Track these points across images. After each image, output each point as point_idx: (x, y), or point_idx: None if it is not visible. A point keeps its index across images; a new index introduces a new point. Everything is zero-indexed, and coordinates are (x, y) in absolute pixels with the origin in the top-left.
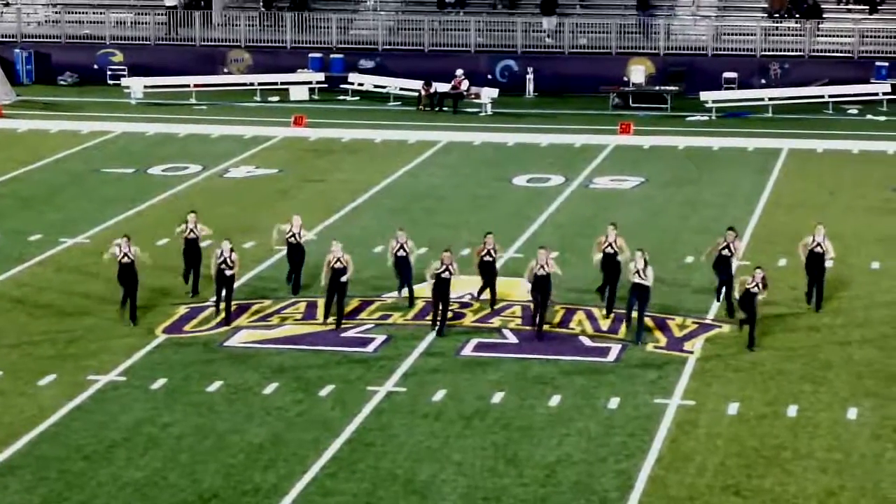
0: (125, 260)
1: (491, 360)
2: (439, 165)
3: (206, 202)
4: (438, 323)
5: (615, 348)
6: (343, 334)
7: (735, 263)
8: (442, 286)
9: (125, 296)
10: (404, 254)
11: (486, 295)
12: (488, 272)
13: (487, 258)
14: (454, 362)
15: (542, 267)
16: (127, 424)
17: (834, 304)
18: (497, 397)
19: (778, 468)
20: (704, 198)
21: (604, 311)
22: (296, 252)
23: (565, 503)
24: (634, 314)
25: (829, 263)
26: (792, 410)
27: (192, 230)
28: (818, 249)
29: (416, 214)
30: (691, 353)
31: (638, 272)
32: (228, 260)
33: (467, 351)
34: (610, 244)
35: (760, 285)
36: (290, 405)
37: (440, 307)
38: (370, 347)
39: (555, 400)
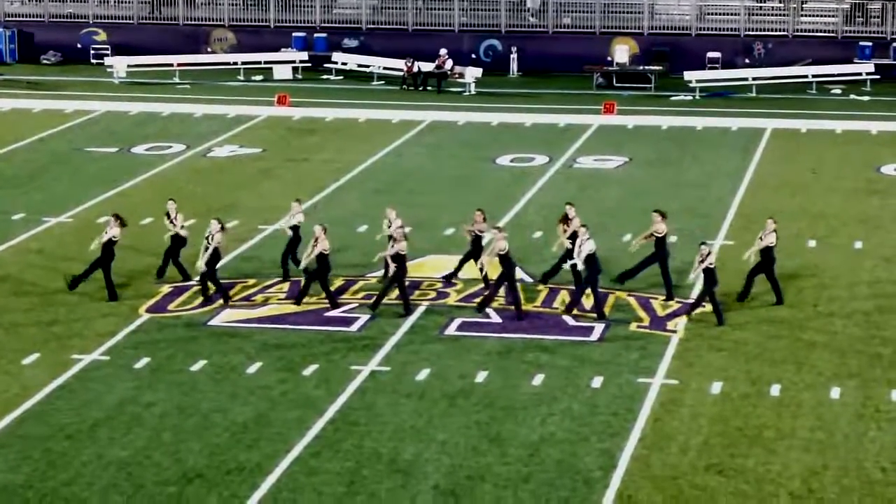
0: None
1: (475, 339)
2: (423, 145)
3: (189, 181)
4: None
5: (598, 328)
6: (327, 313)
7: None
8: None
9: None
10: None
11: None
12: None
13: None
14: (438, 341)
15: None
16: (110, 403)
17: (817, 284)
18: (481, 376)
19: (761, 447)
20: (688, 178)
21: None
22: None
23: (548, 482)
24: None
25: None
26: (775, 390)
27: (172, 220)
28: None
29: (399, 194)
30: (674, 332)
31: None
32: (211, 237)
33: (451, 330)
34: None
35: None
36: (274, 384)
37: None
38: (354, 327)
39: (538, 379)
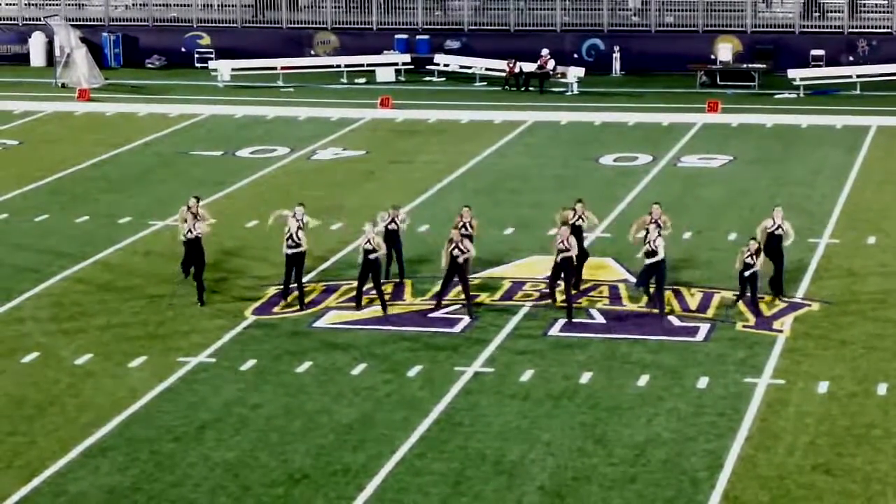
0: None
1: (578, 340)
2: (525, 145)
3: (293, 184)
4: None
5: (704, 328)
6: (430, 315)
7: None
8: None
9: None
10: (468, 232)
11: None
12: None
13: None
14: (542, 342)
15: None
16: (217, 405)
17: None
18: (585, 377)
19: (868, 446)
20: (792, 176)
21: (692, 290)
22: (393, 239)
23: (654, 483)
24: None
25: (787, 243)
26: (882, 388)
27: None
28: (778, 232)
29: (501, 195)
30: (781, 331)
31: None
32: (295, 236)
33: (555, 331)
34: (655, 222)
35: (755, 255)
36: (379, 385)
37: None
38: (457, 328)
39: (643, 380)
